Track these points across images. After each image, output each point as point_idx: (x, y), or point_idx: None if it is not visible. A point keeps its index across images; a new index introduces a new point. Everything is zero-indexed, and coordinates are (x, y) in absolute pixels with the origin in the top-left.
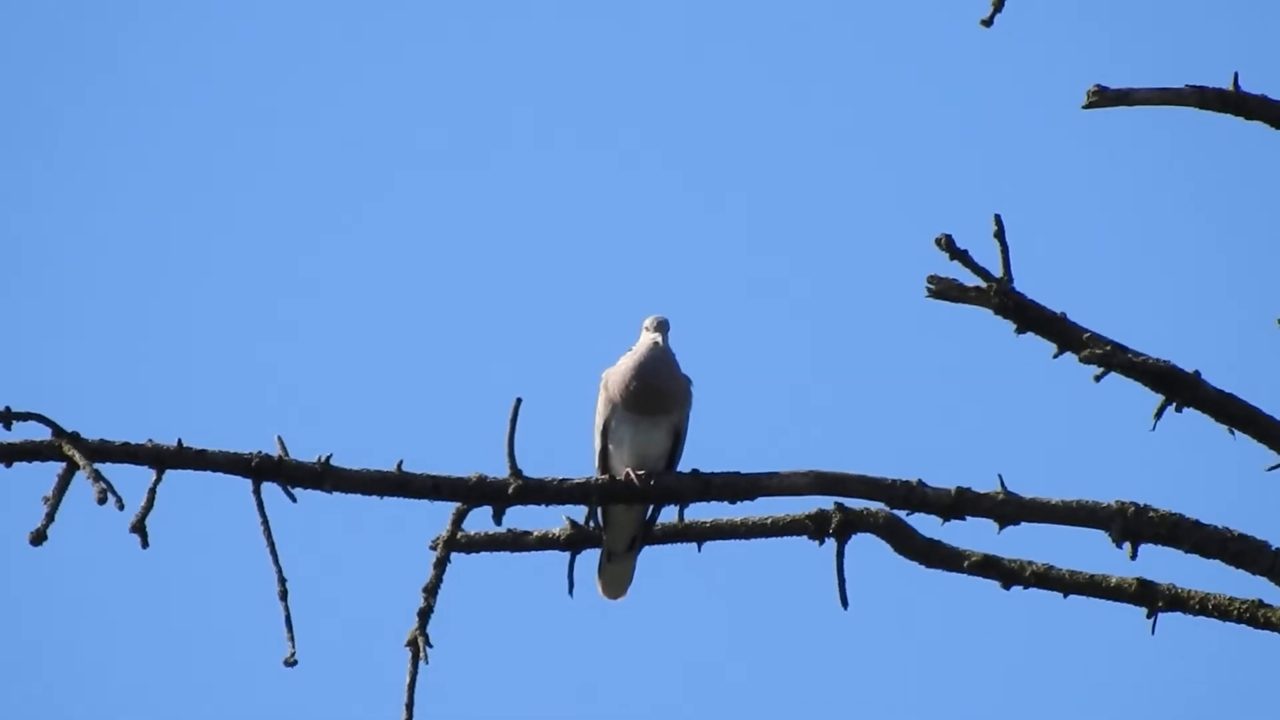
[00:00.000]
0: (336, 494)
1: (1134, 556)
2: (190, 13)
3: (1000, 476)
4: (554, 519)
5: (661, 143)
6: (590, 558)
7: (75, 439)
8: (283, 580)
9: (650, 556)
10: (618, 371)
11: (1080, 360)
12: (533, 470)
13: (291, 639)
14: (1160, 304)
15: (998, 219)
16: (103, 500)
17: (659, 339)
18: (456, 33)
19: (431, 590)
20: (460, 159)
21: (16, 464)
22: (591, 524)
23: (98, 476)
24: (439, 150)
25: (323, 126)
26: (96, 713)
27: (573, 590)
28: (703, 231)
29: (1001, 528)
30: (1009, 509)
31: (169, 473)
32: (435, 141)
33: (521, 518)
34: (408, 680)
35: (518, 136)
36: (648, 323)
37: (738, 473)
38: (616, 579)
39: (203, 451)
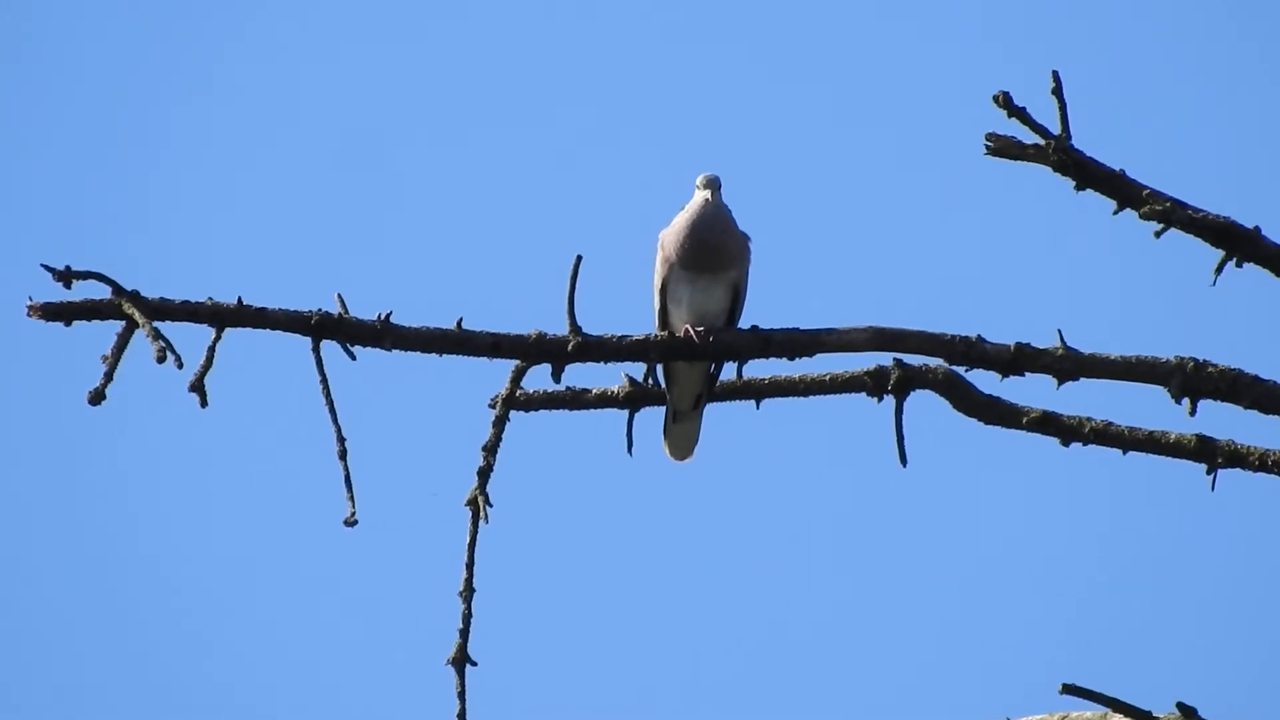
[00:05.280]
0: (396, 352)
1: (1193, 412)
2: None
3: (1060, 332)
4: (613, 377)
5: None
6: (649, 417)
7: (135, 297)
8: (342, 440)
9: (710, 421)
10: (672, 231)
11: (1140, 217)
12: (592, 329)
13: (351, 498)
14: (1219, 159)
15: (1055, 75)
16: (161, 359)
17: (709, 196)
18: None
19: (491, 449)
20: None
21: (76, 323)
22: (650, 381)
23: (157, 335)
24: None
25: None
26: (149, 565)
27: (632, 449)
28: (768, 93)
29: (1060, 384)
30: (1068, 364)
31: (228, 331)
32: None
33: (580, 375)
34: (468, 540)
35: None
36: (698, 181)
37: (797, 329)
38: (683, 439)
39: (262, 309)
